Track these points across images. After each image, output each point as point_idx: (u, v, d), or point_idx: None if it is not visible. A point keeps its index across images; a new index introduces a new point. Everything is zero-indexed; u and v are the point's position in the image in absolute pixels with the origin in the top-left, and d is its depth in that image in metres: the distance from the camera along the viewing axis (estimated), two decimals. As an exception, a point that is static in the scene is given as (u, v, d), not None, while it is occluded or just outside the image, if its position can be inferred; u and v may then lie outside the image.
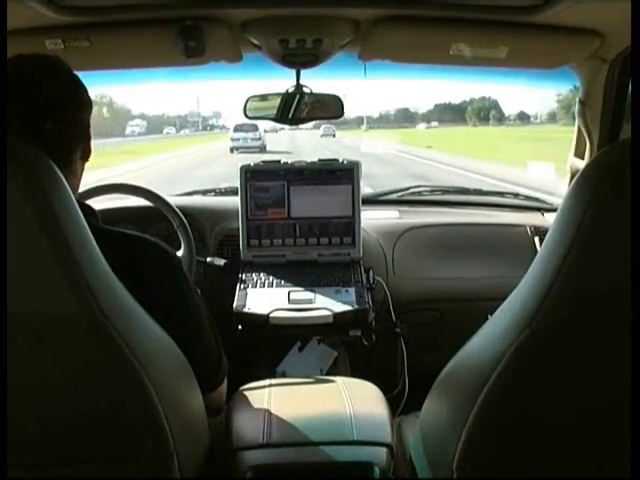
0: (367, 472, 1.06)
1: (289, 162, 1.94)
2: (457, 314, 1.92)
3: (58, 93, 1.02)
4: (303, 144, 23.05)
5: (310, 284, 1.78)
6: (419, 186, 2.47)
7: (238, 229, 1.90)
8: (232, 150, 17.79)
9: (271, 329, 1.68)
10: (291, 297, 1.73)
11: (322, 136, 27.30)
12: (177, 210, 1.82)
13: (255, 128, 17.76)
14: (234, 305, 1.71)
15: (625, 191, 0.70)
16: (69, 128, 1.02)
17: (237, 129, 18.13)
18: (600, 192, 0.72)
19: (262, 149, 17.69)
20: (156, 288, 1.02)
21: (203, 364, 1.08)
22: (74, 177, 1.06)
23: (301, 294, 1.74)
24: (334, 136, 28.06)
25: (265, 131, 19.51)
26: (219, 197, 2.33)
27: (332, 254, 1.90)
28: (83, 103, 1.06)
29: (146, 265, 1.03)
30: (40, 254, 0.77)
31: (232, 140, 18.14)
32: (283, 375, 1.76)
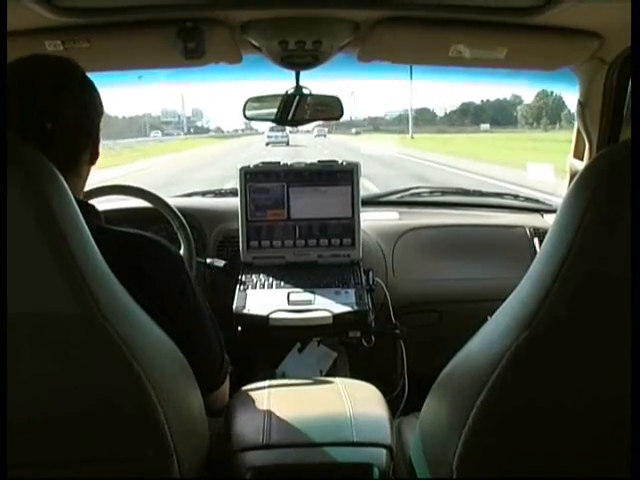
0: (367, 473, 1.06)
1: (288, 163, 1.94)
2: (457, 315, 1.92)
3: (61, 95, 1.02)
4: (308, 143, 26.62)
5: (310, 285, 1.78)
6: (419, 187, 2.47)
7: (238, 230, 1.90)
8: (267, 144, 24.29)
9: (271, 330, 1.68)
10: (291, 298, 1.73)
11: (316, 136, 31.49)
12: (177, 211, 1.82)
13: (283, 129, 23.37)
14: (234, 306, 1.71)
15: (624, 192, 0.70)
16: (74, 131, 1.02)
17: (271, 129, 24.24)
18: (599, 193, 0.72)
19: (287, 143, 24.73)
20: (157, 285, 1.02)
21: (205, 363, 1.08)
22: (79, 179, 1.06)
23: (301, 295, 1.74)
24: (325, 136, 32.55)
25: (290, 132, 25.67)
26: (218, 198, 2.33)
27: (332, 255, 1.90)
28: (91, 107, 1.06)
29: (148, 262, 1.03)
30: (39, 255, 0.77)
31: (267, 137, 24.87)
32: (283, 376, 1.76)
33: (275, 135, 24.59)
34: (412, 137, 31.63)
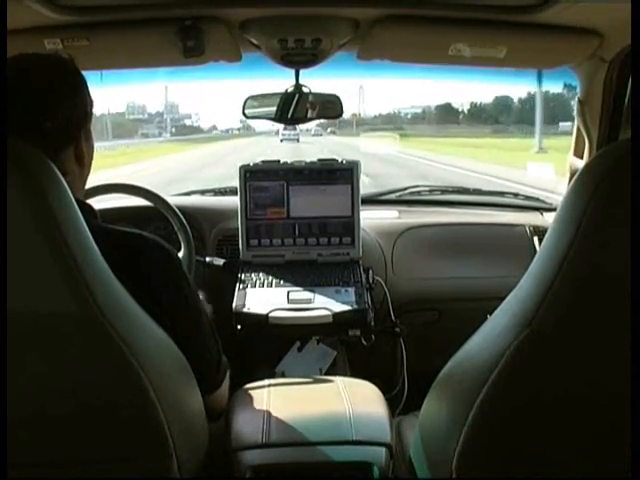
0: (366, 472, 1.06)
1: (288, 162, 1.94)
2: (456, 314, 1.92)
3: (54, 93, 1.01)
4: (306, 141, 27.39)
5: (309, 284, 1.78)
6: (418, 186, 2.47)
7: (237, 229, 1.90)
8: (281, 140, 27.41)
9: (270, 329, 1.68)
10: (290, 297, 1.73)
11: (313, 135, 32.27)
12: (177, 210, 1.82)
13: (295, 127, 24.83)
14: (233, 305, 1.71)
15: (624, 190, 0.70)
16: (60, 128, 1.02)
17: (285, 128, 25.46)
18: (599, 191, 0.72)
19: (297, 140, 27.33)
20: (155, 285, 1.02)
21: (201, 364, 1.07)
22: (69, 179, 1.05)
23: (300, 294, 1.74)
24: (321, 135, 33.22)
25: (300, 130, 27.50)
26: (218, 197, 2.33)
27: (331, 254, 1.90)
28: (78, 105, 1.06)
29: (145, 262, 1.03)
30: (39, 254, 0.77)
31: (282, 135, 27.65)
32: (282, 375, 1.76)
33: (288, 133, 27.52)
34: (541, 149, 17.13)
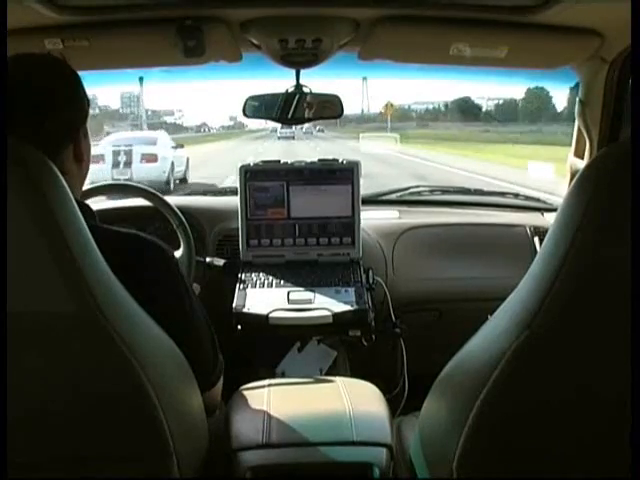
0: (366, 472, 1.06)
1: (289, 162, 1.94)
2: (457, 314, 1.92)
3: (55, 93, 1.01)
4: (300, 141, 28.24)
5: (309, 284, 1.78)
6: (419, 186, 2.47)
7: (237, 229, 1.90)
8: (279, 138, 28.75)
9: (270, 329, 1.68)
10: (290, 297, 1.73)
11: (304, 134, 32.75)
12: (177, 210, 1.82)
13: (290, 126, 26.43)
14: (233, 305, 1.71)
15: (624, 191, 0.70)
16: (61, 128, 1.02)
17: (282, 127, 26.34)
18: (599, 192, 0.72)
19: (293, 137, 28.74)
20: (151, 285, 1.01)
21: (198, 363, 1.07)
22: (67, 178, 1.05)
23: (300, 294, 1.74)
24: (312, 134, 33.81)
25: (295, 128, 27.22)
26: (218, 197, 2.33)
27: (332, 254, 1.89)
28: (77, 104, 1.06)
29: (141, 261, 1.03)
30: (39, 254, 0.77)
31: (279, 133, 28.87)
32: (282, 375, 1.76)
33: (285, 132, 28.73)
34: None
